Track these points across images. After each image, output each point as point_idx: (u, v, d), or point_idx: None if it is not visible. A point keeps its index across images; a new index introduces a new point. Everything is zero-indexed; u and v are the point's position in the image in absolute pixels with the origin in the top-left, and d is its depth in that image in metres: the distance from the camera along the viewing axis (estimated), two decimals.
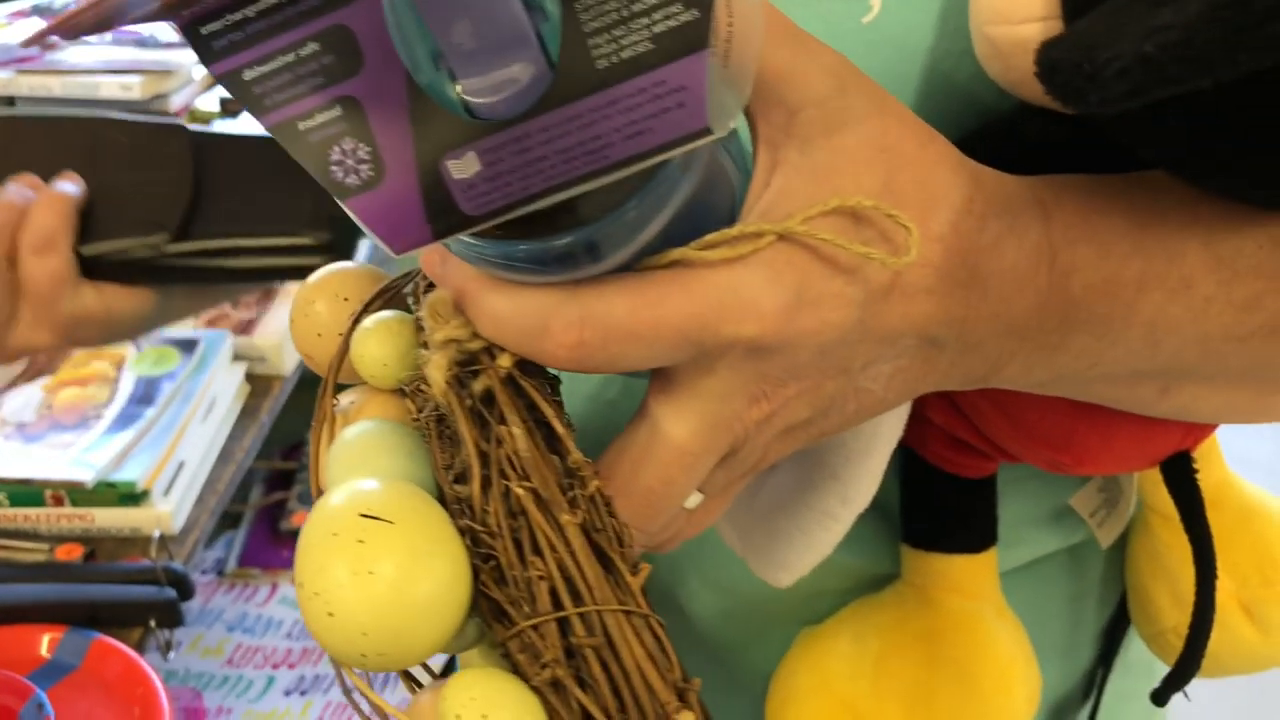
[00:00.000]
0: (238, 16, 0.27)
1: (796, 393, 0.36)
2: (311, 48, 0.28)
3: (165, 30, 1.52)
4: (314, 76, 0.28)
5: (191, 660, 1.34)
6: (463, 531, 0.31)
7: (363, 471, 0.32)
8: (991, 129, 0.44)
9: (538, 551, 0.30)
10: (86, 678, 0.95)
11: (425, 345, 0.34)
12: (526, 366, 0.34)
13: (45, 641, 0.96)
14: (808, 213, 0.33)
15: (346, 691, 0.30)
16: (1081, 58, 0.30)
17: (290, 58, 0.28)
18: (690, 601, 0.62)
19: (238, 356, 1.27)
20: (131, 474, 1.05)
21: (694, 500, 0.38)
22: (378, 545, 0.29)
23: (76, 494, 1.04)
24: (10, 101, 1.43)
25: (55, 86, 1.39)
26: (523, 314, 0.32)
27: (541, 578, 0.30)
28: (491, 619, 0.31)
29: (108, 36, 1.50)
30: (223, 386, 1.21)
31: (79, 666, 0.95)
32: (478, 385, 0.33)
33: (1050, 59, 0.31)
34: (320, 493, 0.35)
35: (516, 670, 0.31)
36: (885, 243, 0.34)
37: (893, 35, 0.46)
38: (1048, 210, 0.38)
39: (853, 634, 0.57)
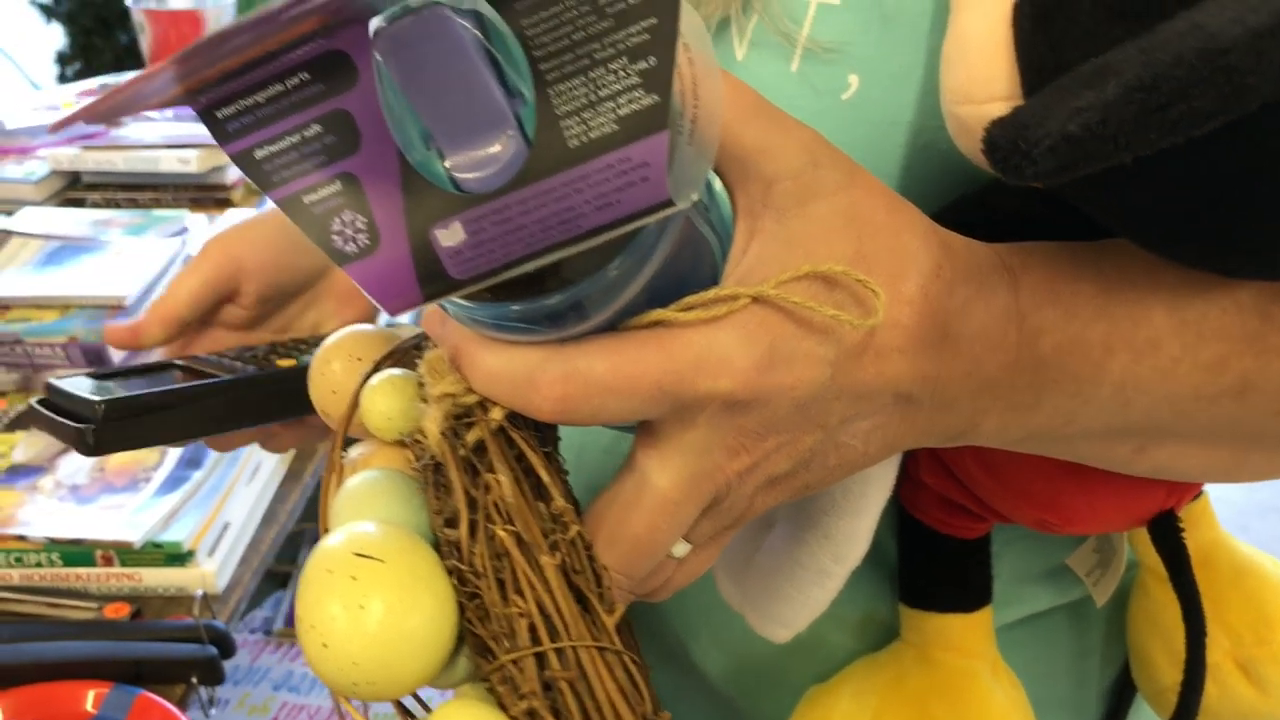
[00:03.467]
0: (249, 102, 0.30)
1: (776, 446, 0.37)
2: (315, 129, 0.30)
3: None
4: (317, 155, 0.30)
5: (238, 718, 1.36)
6: (451, 571, 0.33)
7: (362, 516, 0.35)
8: (966, 202, 0.46)
9: (519, 591, 0.32)
10: None
11: (425, 400, 0.37)
12: (517, 420, 0.36)
13: (90, 697, 0.96)
14: (781, 277, 0.35)
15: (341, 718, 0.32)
16: (1016, 135, 0.32)
17: (296, 138, 0.30)
18: (701, 658, 0.64)
19: None
20: (178, 535, 1.06)
21: (681, 549, 0.40)
22: (369, 582, 0.31)
23: (125, 554, 1.05)
24: (76, 177, 1.50)
25: (119, 161, 1.46)
26: (512, 370, 0.34)
27: (521, 615, 0.32)
28: (477, 654, 0.33)
29: (169, 113, 1.57)
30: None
31: None
32: (470, 436, 0.36)
33: (991, 137, 0.33)
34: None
35: (500, 703, 0.33)
36: (856, 306, 0.36)
37: (870, 111, 0.48)
38: (1015, 276, 0.40)
39: (853, 692, 0.58)
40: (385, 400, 0.38)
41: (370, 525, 0.33)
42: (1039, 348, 0.40)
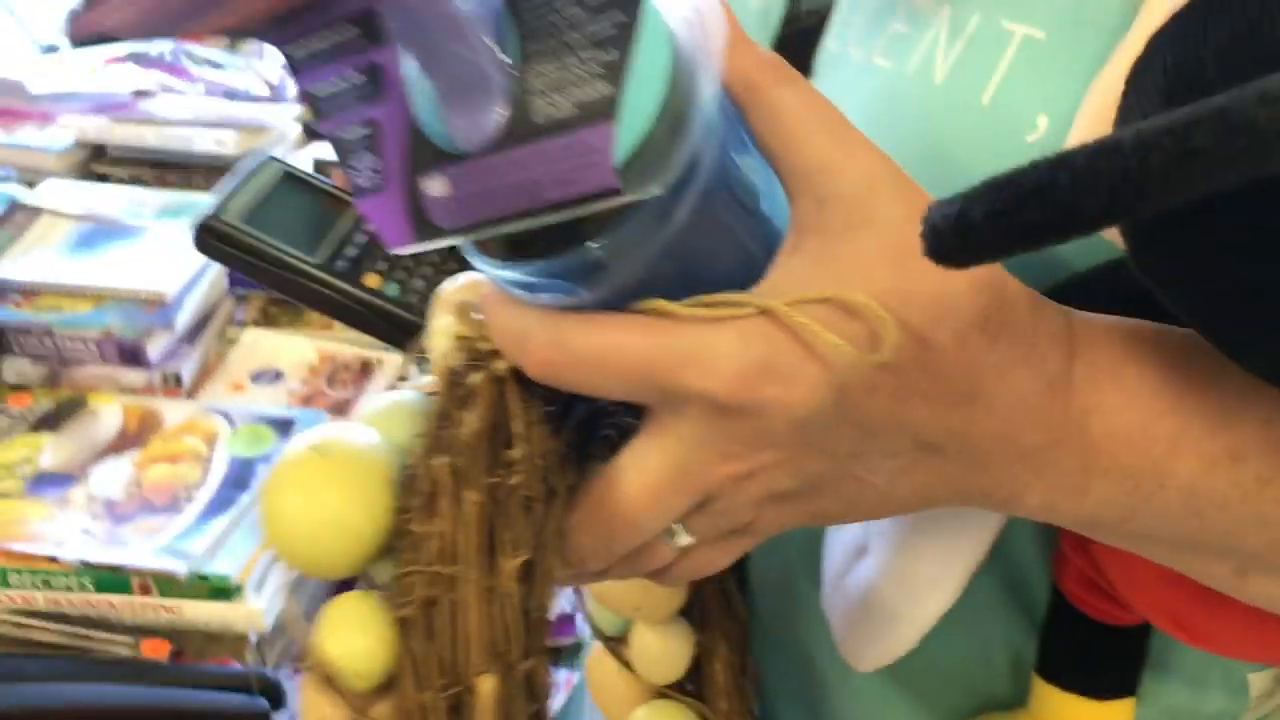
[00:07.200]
0: (313, 47, 0.43)
1: (774, 461, 0.46)
2: (360, 78, 0.43)
3: (255, 85, 1.77)
4: (357, 99, 0.43)
5: None
6: (402, 485, 0.48)
7: (375, 426, 0.51)
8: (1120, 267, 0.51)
9: (437, 513, 0.46)
10: None
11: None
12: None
13: None
14: (801, 296, 0.43)
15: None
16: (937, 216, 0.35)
17: (347, 84, 0.44)
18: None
19: None
20: (225, 567, 1.15)
21: (683, 539, 0.50)
22: (310, 470, 0.48)
23: (166, 584, 1.15)
24: (102, 150, 1.66)
25: (150, 137, 1.63)
26: (511, 326, 0.46)
27: (429, 536, 0.47)
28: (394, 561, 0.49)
29: (201, 88, 1.73)
30: None
31: None
32: (473, 378, 0.49)
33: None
34: None
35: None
36: (873, 341, 0.43)
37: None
38: (1075, 346, 0.46)
39: None
40: (442, 337, 0.52)
41: (344, 429, 0.48)
42: (1088, 429, 0.46)
